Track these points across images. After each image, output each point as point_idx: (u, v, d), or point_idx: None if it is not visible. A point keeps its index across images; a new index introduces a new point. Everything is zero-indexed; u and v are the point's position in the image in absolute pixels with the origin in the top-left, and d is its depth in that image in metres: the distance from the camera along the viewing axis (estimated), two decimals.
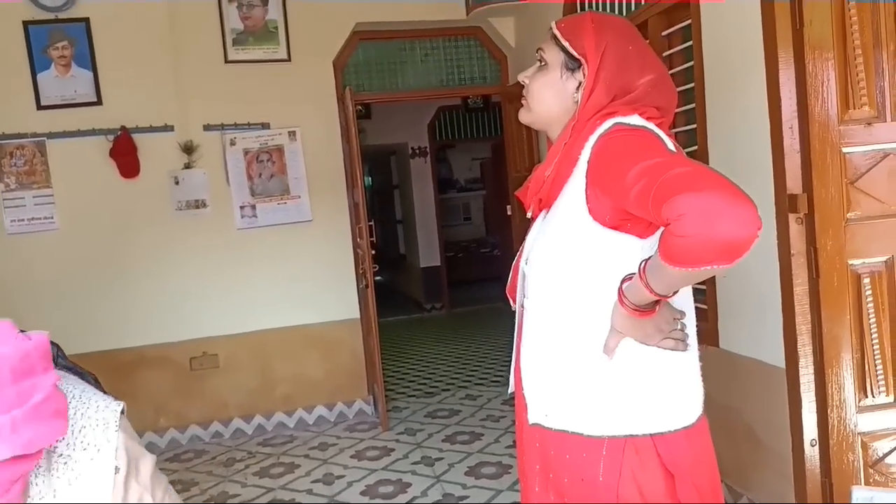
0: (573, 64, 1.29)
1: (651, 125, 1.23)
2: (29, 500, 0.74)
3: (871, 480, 2.08)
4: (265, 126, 4.27)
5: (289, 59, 4.24)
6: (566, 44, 1.29)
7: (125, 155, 4.03)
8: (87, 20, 3.96)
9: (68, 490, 0.76)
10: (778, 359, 2.25)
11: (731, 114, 2.41)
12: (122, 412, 0.83)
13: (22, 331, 0.76)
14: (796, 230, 2.11)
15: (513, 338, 1.43)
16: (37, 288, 3.98)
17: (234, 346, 4.27)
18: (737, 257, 0.98)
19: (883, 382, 2.08)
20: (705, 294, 2.62)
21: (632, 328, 1.19)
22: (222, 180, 4.22)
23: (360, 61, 4.53)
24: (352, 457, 3.79)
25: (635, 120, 1.22)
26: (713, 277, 2.44)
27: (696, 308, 1.35)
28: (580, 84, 1.29)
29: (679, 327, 1.24)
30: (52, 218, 4.00)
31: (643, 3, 2.94)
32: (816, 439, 2.14)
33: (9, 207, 3.94)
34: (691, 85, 2.63)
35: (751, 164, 2.28)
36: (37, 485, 0.75)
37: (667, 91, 1.30)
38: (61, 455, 0.77)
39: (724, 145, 2.47)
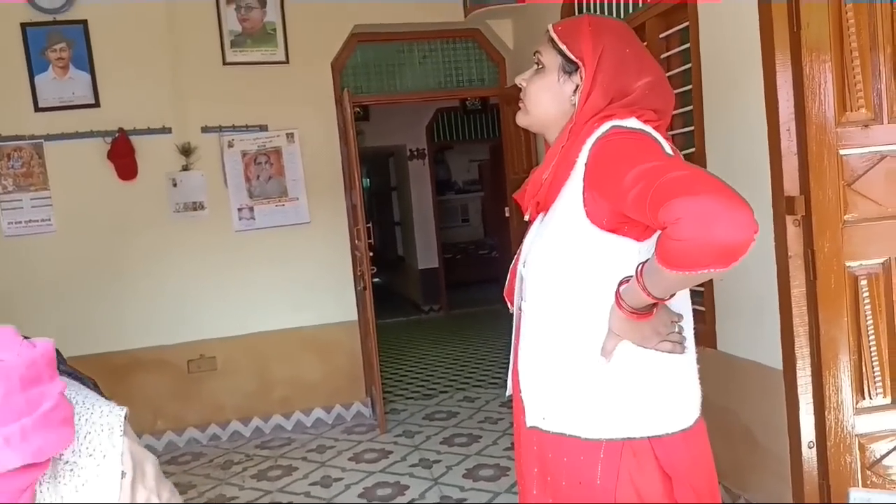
0: (570, 67, 1.30)
1: (648, 128, 1.23)
2: None
3: (868, 482, 2.08)
4: (263, 128, 4.27)
5: (287, 61, 4.24)
6: (563, 47, 1.29)
7: (123, 157, 4.02)
8: (84, 22, 3.95)
9: (75, 497, 0.76)
10: (775, 360, 2.25)
11: (728, 116, 2.42)
12: (126, 417, 0.83)
13: (25, 337, 0.76)
14: (794, 232, 2.12)
15: (510, 340, 1.43)
16: (34, 290, 3.97)
17: (232, 348, 4.26)
18: (733, 261, 0.99)
19: (880, 384, 2.09)
20: (703, 296, 2.62)
21: (629, 331, 1.19)
22: (220, 182, 4.22)
23: (358, 63, 4.53)
24: (350, 459, 3.78)
25: (632, 123, 1.22)
26: (711, 279, 2.44)
27: (694, 310, 1.35)
28: (577, 87, 1.29)
29: (676, 330, 1.24)
30: (49, 220, 3.99)
31: (640, 3, 2.95)
32: (814, 441, 2.15)
33: (6, 210, 3.93)
34: (689, 87, 2.64)
35: (748, 166, 2.28)
36: (42, 493, 0.74)
37: (664, 94, 1.30)
38: (67, 462, 0.76)
39: (721, 147, 2.47)
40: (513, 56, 4.58)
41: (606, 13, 3.22)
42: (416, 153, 8.28)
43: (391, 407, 4.62)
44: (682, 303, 1.28)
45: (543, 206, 1.33)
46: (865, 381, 2.08)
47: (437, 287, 8.28)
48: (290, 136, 4.29)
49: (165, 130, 4.12)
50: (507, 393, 1.43)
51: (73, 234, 4.02)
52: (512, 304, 1.43)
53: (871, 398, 2.09)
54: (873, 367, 2.08)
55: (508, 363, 1.44)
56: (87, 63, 3.98)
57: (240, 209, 4.25)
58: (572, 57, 1.28)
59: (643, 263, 1.12)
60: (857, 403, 2.09)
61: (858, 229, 2.06)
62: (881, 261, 2.07)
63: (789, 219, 2.12)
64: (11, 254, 3.94)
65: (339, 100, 4.32)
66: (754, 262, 2.10)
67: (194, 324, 4.20)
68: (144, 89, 4.06)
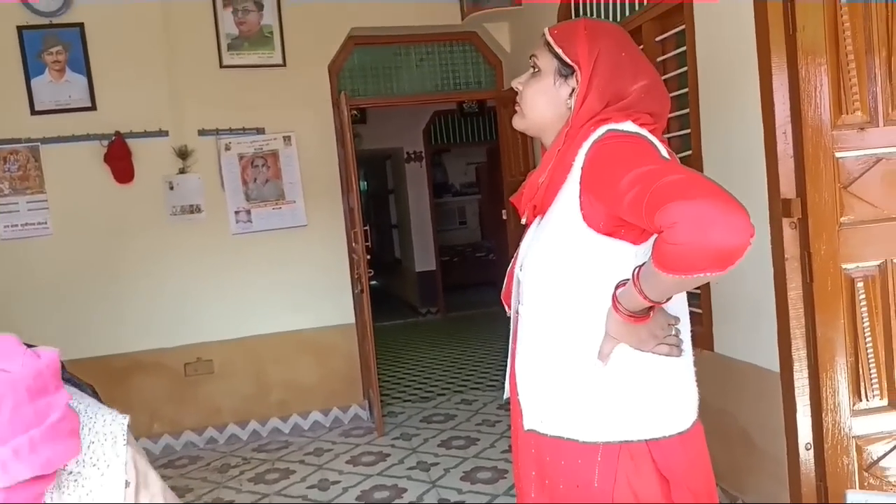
0: (566, 70, 1.30)
1: (644, 132, 1.23)
2: None
3: (865, 484, 2.09)
4: (260, 131, 4.27)
5: (284, 64, 4.24)
6: (559, 50, 1.29)
7: (119, 160, 4.02)
8: (81, 25, 3.95)
9: None
10: (772, 363, 2.25)
11: (725, 118, 2.42)
12: (128, 425, 0.82)
13: (28, 345, 0.75)
14: (790, 235, 2.12)
15: (508, 342, 1.43)
16: (30, 294, 3.96)
17: (229, 351, 4.25)
18: (729, 265, 0.99)
19: (877, 386, 2.09)
20: (700, 298, 2.62)
21: (626, 334, 1.19)
22: (217, 185, 4.21)
23: (355, 66, 4.54)
24: (347, 462, 3.78)
25: (629, 126, 1.23)
26: (707, 282, 2.44)
27: (691, 312, 1.35)
28: (573, 90, 1.29)
29: (673, 333, 1.24)
30: (45, 223, 3.98)
31: (637, 3, 2.95)
32: (811, 443, 2.15)
33: (2, 213, 3.92)
34: (685, 90, 2.64)
35: (745, 168, 2.29)
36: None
37: (660, 97, 1.31)
38: (71, 472, 0.76)
39: (718, 150, 2.48)
40: (510, 59, 4.59)
41: (603, 16, 3.23)
42: (413, 156, 8.28)
43: (389, 410, 4.61)
44: (678, 305, 1.28)
45: (540, 210, 1.33)
46: (862, 383, 2.08)
47: (435, 290, 8.28)
48: (287, 138, 4.29)
49: (162, 133, 4.12)
50: (505, 396, 1.43)
51: (69, 238, 4.01)
52: (509, 307, 1.43)
53: (867, 400, 2.09)
54: (870, 369, 2.08)
55: (506, 366, 1.43)
56: (83, 66, 3.97)
57: (237, 212, 4.25)
58: (568, 60, 1.28)
59: (640, 267, 1.12)
60: (853, 405, 2.09)
61: (855, 232, 2.06)
62: (877, 263, 2.08)
63: (786, 221, 2.12)
64: (8, 257, 3.93)
65: (336, 102, 4.32)
66: (751, 264, 2.10)
67: (191, 327, 4.19)
68: (141, 92, 4.06)
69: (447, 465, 3.60)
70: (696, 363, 1.32)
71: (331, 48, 4.36)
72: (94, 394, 0.91)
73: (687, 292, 1.31)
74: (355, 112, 6.19)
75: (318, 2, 4.26)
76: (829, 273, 2.06)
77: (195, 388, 4.22)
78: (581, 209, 1.21)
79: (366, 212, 7.62)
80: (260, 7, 4.18)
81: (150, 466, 0.84)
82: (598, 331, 1.22)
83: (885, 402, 2.09)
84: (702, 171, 2.53)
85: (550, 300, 1.27)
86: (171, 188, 4.15)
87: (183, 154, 4.13)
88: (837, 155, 2.05)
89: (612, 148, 1.18)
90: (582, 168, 1.21)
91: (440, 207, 9.49)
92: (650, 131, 1.25)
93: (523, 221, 1.39)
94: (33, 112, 3.94)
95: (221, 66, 4.16)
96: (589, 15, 3.35)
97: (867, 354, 2.08)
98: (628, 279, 1.14)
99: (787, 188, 2.12)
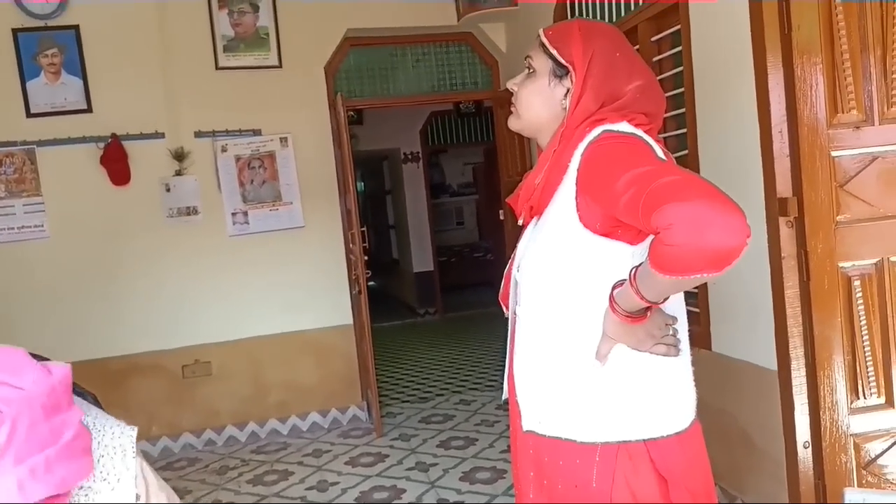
0: (561, 71, 1.30)
1: (640, 132, 1.24)
2: None
3: (863, 482, 2.09)
4: (257, 132, 4.26)
5: (280, 66, 4.24)
6: (554, 51, 1.29)
7: (116, 162, 4.01)
8: (76, 27, 3.94)
9: None
10: (770, 361, 2.26)
11: (720, 118, 2.43)
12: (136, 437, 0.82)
13: (35, 355, 0.74)
14: (787, 233, 2.13)
15: (506, 343, 1.43)
16: (27, 297, 3.95)
17: (227, 353, 4.25)
18: (726, 266, 0.99)
19: (874, 384, 2.09)
20: (697, 297, 2.63)
21: (624, 334, 1.19)
22: (214, 187, 4.21)
23: (351, 67, 4.53)
24: (346, 463, 3.78)
25: (624, 127, 1.23)
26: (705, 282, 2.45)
27: (688, 311, 1.35)
28: (568, 91, 1.29)
29: (671, 333, 1.24)
30: (42, 226, 3.98)
31: (633, 3, 2.96)
32: (809, 441, 2.15)
33: None
34: (681, 90, 2.64)
35: (741, 168, 2.29)
36: None
37: (655, 97, 1.31)
38: (81, 487, 0.75)
39: (714, 149, 2.48)
40: (506, 59, 4.59)
41: (599, 16, 3.23)
42: (410, 156, 8.28)
43: (387, 410, 4.61)
44: (676, 305, 1.28)
45: (537, 211, 1.33)
46: (860, 381, 2.09)
47: (432, 290, 8.28)
48: (283, 140, 4.29)
49: (158, 135, 4.11)
50: (504, 397, 1.43)
51: (66, 240, 4.00)
52: (507, 308, 1.43)
53: (865, 398, 2.09)
54: (867, 367, 2.08)
55: (504, 366, 1.44)
56: (79, 68, 3.97)
57: (234, 214, 4.24)
58: (562, 61, 1.28)
59: (637, 267, 1.12)
60: (851, 403, 2.10)
61: (851, 230, 2.07)
62: (874, 261, 2.08)
63: (782, 220, 2.13)
64: (4, 260, 3.92)
65: (333, 104, 4.32)
66: (748, 263, 2.10)
67: (189, 329, 4.18)
68: (137, 94, 4.05)
69: (446, 465, 3.60)
70: (693, 362, 1.32)
71: (327, 49, 4.36)
72: (96, 402, 0.91)
73: (684, 291, 1.31)
74: (352, 113, 6.19)
75: (314, 3, 4.26)
76: (825, 271, 2.06)
77: (193, 389, 4.21)
78: (577, 210, 1.21)
79: (363, 213, 7.62)
80: (256, 8, 4.18)
81: (157, 475, 0.84)
82: (596, 331, 1.22)
83: (882, 400, 2.10)
84: (698, 170, 2.54)
85: (548, 301, 1.27)
86: (168, 190, 4.14)
87: (179, 156, 4.13)
88: (833, 154, 2.05)
89: (607, 149, 1.18)
90: (578, 169, 1.21)
91: (437, 208, 9.49)
92: (646, 131, 1.25)
93: (520, 222, 1.39)
94: (29, 114, 3.93)
95: (217, 68, 4.15)
96: (585, 15, 3.35)
97: (864, 352, 2.08)
98: (625, 279, 1.14)
99: (784, 187, 2.12)
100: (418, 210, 8.29)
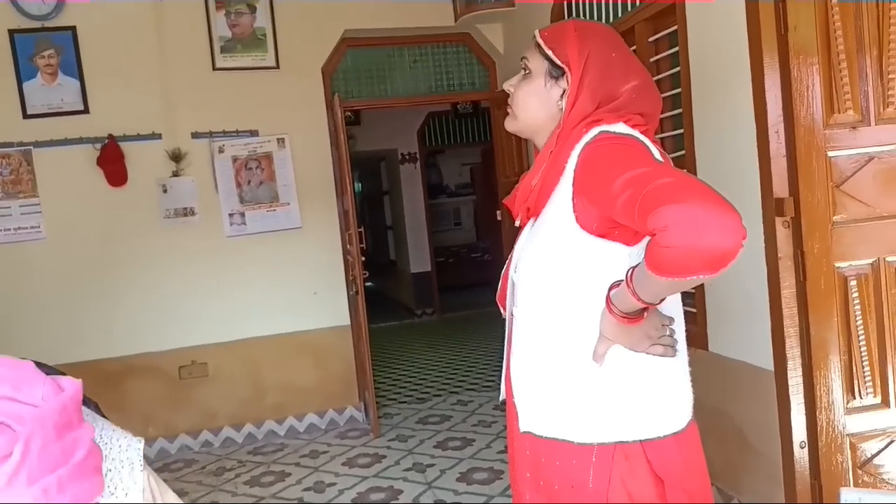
0: (557, 72, 1.30)
1: (636, 133, 1.23)
2: None
3: (859, 481, 2.09)
4: (254, 133, 4.26)
5: (277, 67, 4.23)
6: (549, 52, 1.29)
7: (112, 163, 4.01)
8: (73, 28, 3.94)
9: None
10: (766, 361, 2.26)
11: (717, 118, 2.43)
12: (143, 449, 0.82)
13: (37, 363, 0.74)
14: (783, 234, 2.13)
15: (503, 343, 1.43)
16: (24, 298, 3.94)
17: (224, 354, 4.24)
18: (722, 267, 0.99)
19: (870, 383, 2.10)
20: (694, 298, 2.63)
21: (620, 335, 1.19)
22: (211, 188, 4.21)
23: (348, 68, 4.53)
24: (343, 464, 3.77)
25: (620, 128, 1.23)
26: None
27: (685, 311, 1.35)
28: (564, 92, 1.29)
29: (668, 333, 1.25)
30: (38, 227, 3.97)
31: (630, 4, 2.96)
32: (805, 441, 2.15)
33: None
34: (678, 90, 2.65)
35: (737, 168, 2.29)
36: None
37: (651, 97, 1.31)
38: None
39: (710, 150, 2.49)
40: (503, 60, 4.59)
41: (596, 16, 3.24)
42: (407, 157, 8.27)
43: (384, 411, 4.61)
44: (673, 305, 1.28)
45: (534, 212, 1.33)
46: (856, 381, 2.09)
47: (430, 291, 8.28)
48: (280, 141, 4.28)
49: (155, 136, 4.11)
50: (501, 397, 1.43)
51: (63, 241, 3.99)
52: (504, 309, 1.43)
53: (861, 398, 2.10)
54: (863, 367, 2.09)
55: (501, 366, 1.44)
56: (75, 69, 3.96)
57: (231, 215, 4.24)
58: (558, 62, 1.28)
59: (633, 268, 1.12)
60: (847, 403, 2.10)
61: (847, 230, 2.07)
62: (870, 261, 2.09)
63: (779, 220, 2.13)
64: (0, 261, 3.91)
65: (330, 104, 4.32)
66: (744, 263, 2.10)
67: (186, 330, 4.18)
68: (134, 95, 4.05)
69: (443, 466, 3.60)
70: (690, 363, 1.32)
71: (324, 50, 4.36)
72: (97, 410, 0.90)
73: (681, 292, 1.31)
74: (349, 114, 6.19)
75: (311, 4, 4.26)
76: (822, 272, 2.07)
77: (190, 391, 4.21)
78: (574, 211, 1.21)
79: (360, 213, 7.63)
80: (253, 9, 4.18)
81: (165, 486, 0.83)
82: (593, 332, 1.22)
83: (878, 400, 2.10)
84: (695, 171, 2.54)
85: (545, 302, 1.27)
86: (165, 191, 4.14)
87: (176, 157, 4.12)
88: (830, 154, 2.06)
89: (604, 150, 1.18)
90: (574, 170, 1.21)
91: (435, 208, 9.49)
92: (642, 132, 1.25)
93: (517, 223, 1.39)
94: (25, 116, 3.92)
95: (214, 69, 4.15)
96: (582, 15, 3.36)
97: (860, 352, 2.09)
98: (622, 280, 1.14)
99: (780, 187, 2.13)
100: (416, 211, 8.29)
